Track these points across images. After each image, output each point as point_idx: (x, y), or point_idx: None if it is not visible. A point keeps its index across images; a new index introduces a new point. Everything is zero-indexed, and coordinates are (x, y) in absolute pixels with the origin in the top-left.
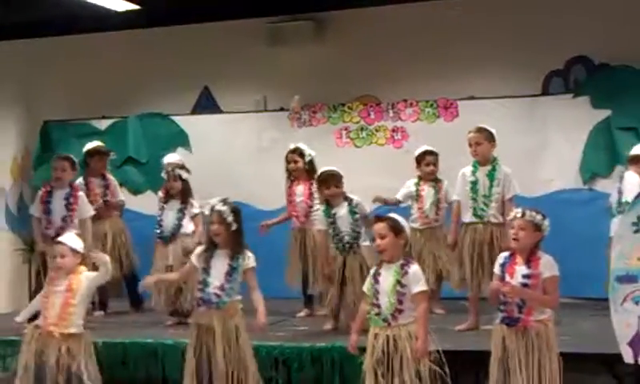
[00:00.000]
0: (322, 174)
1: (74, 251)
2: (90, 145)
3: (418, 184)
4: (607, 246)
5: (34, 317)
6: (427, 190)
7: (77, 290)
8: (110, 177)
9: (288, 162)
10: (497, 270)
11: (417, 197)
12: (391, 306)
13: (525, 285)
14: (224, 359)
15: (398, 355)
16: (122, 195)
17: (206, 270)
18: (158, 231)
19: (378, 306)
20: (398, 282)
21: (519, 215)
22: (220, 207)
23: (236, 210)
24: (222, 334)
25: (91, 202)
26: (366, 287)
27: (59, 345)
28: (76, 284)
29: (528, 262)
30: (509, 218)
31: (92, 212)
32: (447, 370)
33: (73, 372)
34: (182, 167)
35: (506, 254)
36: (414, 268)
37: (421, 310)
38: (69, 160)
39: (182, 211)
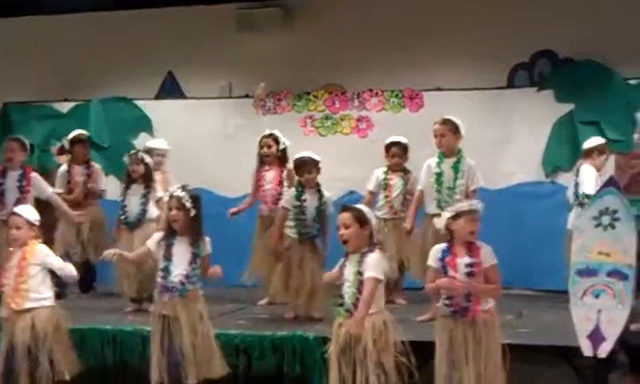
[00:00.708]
0: (298, 159)
1: (30, 223)
2: (73, 133)
3: (386, 173)
4: (564, 238)
5: None
6: (395, 180)
7: (30, 260)
8: (94, 165)
9: (261, 146)
10: (435, 263)
11: (385, 186)
12: (352, 296)
13: (470, 274)
14: (192, 348)
15: (361, 345)
16: (103, 184)
17: (168, 258)
18: (123, 217)
19: (342, 297)
20: (358, 272)
21: (473, 207)
22: (179, 193)
23: (195, 197)
24: (186, 323)
25: (71, 189)
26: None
27: (22, 322)
28: (30, 254)
29: (469, 252)
30: (459, 209)
31: (50, 189)
32: (413, 360)
33: (34, 353)
34: (147, 151)
35: (442, 246)
36: (372, 256)
37: (365, 292)
38: (18, 141)
39: (145, 196)
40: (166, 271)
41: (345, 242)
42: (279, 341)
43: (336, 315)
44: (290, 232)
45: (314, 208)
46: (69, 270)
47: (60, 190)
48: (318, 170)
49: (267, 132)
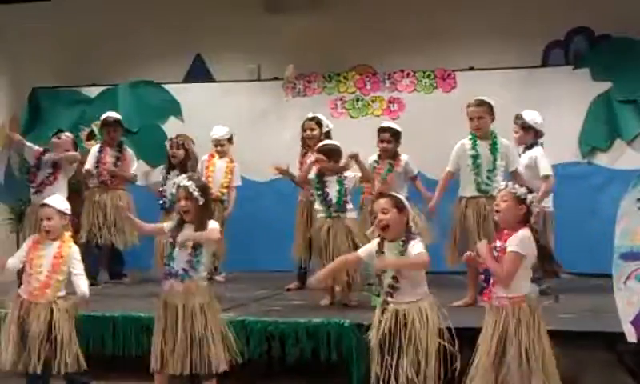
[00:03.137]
0: (321, 146)
1: (61, 213)
2: (105, 115)
3: (377, 162)
4: None
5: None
6: (384, 168)
7: (65, 258)
8: (127, 149)
9: (304, 130)
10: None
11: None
12: (389, 284)
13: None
14: (185, 338)
15: (407, 331)
16: (135, 169)
17: (172, 245)
18: (161, 202)
19: (382, 284)
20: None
21: (502, 186)
22: (186, 183)
23: (203, 186)
24: (183, 313)
25: (100, 172)
26: (363, 254)
27: (44, 312)
28: (66, 251)
29: (504, 237)
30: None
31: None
32: (457, 346)
33: (57, 340)
34: (186, 136)
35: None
36: (414, 241)
37: (416, 259)
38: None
39: None
40: (170, 258)
41: (384, 228)
42: (314, 327)
43: (372, 304)
44: (319, 213)
45: (334, 187)
46: (83, 283)
47: (89, 167)
48: (338, 160)
49: (310, 115)
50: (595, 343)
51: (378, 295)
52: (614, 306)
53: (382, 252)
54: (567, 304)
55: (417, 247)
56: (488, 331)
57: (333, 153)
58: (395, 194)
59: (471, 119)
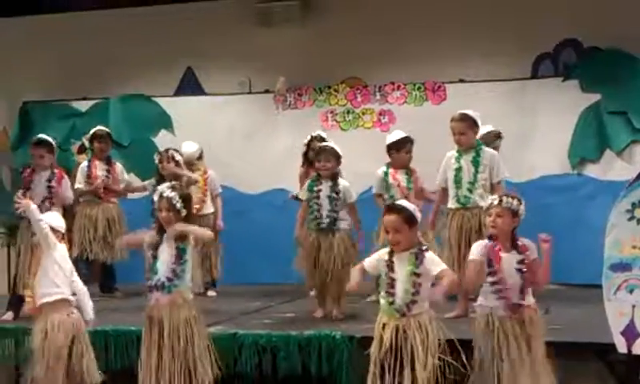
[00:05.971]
0: (319, 147)
1: (55, 230)
2: (95, 129)
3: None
4: None
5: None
6: (401, 179)
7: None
8: (116, 162)
9: (310, 148)
10: (478, 256)
11: (389, 186)
12: (406, 296)
13: (521, 270)
14: (171, 353)
15: (408, 346)
16: (125, 181)
17: (155, 256)
18: (153, 214)
19: (393, 295)
20: (414, 273)
21: (496, 202)
22: (169, 194)
23: (185, 197)
24: (169, 326)
25: (92, 184)
26: (368, 265)
27: (40, 324)
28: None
29: (515, 248)
30: (485, 205)
31: (71, 198)
32: (464, 359)
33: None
34: (176, 150)
35: (484, 241)
36: (429, 254)
37: (449, 279)
38: (44, 145)
39: None
40: (153, 270)
41: (395, 245)
42: (306, 340)
43: (384, 314)
44: (308, 225)
45: (326, 198)
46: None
47: (80, 186)
48: (338, 162)
49: (314, 133)
50: (586, 354)
51: (391, 303)
52: (604, 317)
53: (392, 262)
54: (558, 315)
55: (437, 264)
56: (507, 341)
57: (323, 153)
58: (403, 205)
59: (454, 134)
